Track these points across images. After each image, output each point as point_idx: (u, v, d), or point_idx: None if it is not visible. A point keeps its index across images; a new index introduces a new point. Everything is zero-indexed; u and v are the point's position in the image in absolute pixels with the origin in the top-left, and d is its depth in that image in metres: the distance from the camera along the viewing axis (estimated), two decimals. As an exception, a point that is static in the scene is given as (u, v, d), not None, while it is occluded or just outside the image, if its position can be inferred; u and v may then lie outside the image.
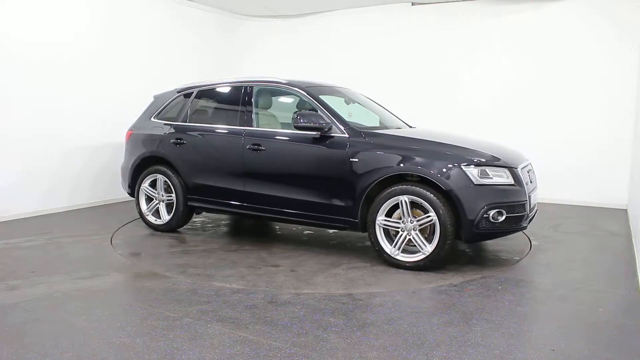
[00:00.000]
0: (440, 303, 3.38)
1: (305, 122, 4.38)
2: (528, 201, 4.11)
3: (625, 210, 6.58)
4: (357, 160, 4.26)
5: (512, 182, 4.04)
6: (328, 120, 4.46)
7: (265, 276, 3.97)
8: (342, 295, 3.52)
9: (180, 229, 5.52)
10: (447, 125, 6.82)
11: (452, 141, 4.34)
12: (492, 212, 3.91)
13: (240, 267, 4.21)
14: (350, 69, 8.20)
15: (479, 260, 4.45)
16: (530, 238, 5.13)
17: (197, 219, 6.10)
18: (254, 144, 4.79)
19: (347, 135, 4.36)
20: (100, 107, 6.71)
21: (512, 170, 4.08)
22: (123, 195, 7.09)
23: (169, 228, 5.37)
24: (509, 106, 7.35)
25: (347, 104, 5.36)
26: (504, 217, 3.95)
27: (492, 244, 4.86)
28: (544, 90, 7.12)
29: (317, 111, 4.57)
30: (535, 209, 4.52)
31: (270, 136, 4.80)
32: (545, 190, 7.07)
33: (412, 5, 7.85)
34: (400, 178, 4.17)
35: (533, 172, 4.58)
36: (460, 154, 4.05)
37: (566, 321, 3.14)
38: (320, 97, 4.72)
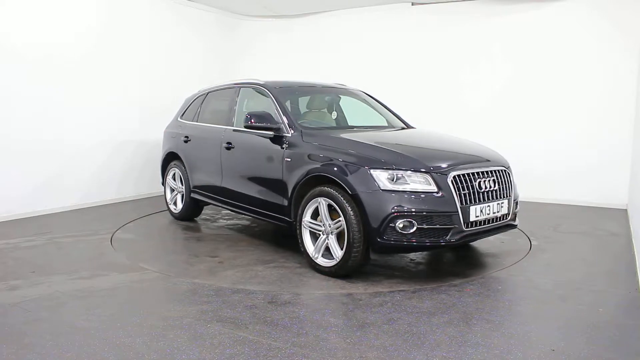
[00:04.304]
0: (440, 303, 3.38)
1: (254, 122, 4.45)
2: (460, 213, 3.62)
3: (625, 210, 6.58)
4: (289, 160, 4.27)
5: (434, 190, 3.61)
6: (278, 121, 4.48)
7: (191, 265, 4.26)
8: (342, 295, 3.52)
9: (197, 219, 6.06)
10: (447, 125, 6.83)
11: (402, 143, 4.15)
12: (399, 222, 3.53)
13: (185, 255, 4.58)
14: (349, 69, 8.21)
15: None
16: (530, 238, 5.13)
17: (224, 210, 6.45)
18: (227, 142, 5.05)
19: (289, 135, 4.36)
20: (100, 107, 6.70)
21: (435, 175, 3.64)
22: (123, 195, 7.11)
23: (181, 217, 5.94)
24: (509, 106, 7.35)
25: (332, 103, 5.37)
26: (414, 228, 3.54)
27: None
28: (544, 90, 7.12)
29: (278, 111, 4.61)
30: (507, 220, 4.05)
31: (240, 135, 4.96)
32: (545, 190, 7.10)
33: (412, 5, 7.85)
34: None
35: (499, 180, 3.97)
36: (374, 157, 3.76)
37: (566, 321, 3.14)
38: (287, 97, 4.81)
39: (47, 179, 6.16)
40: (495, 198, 3.91)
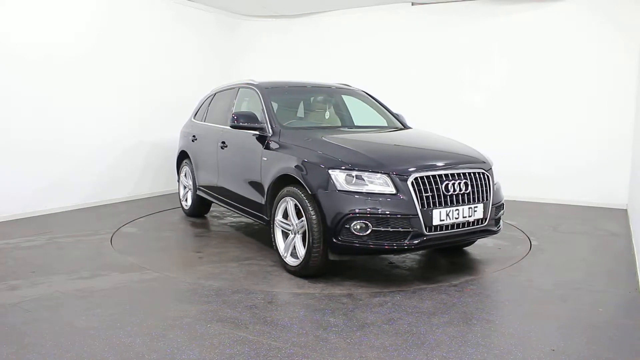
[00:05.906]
0: (440, 303, 3.38)
1: (239, 122, 4.50)
2: (421, 216, 3.50)
3: (625, 210, 6.58)
4: (266, 159, 4.31)
5: (393, 192, 3.53)
6: (262, 121, 4.53)
7: (168, 259, 4.44)
8: (342, 295, 3.52)
9: (207, 215, 6.24)
10: (446, 125, 6.83)
11: (375, 143, 4.15)
12: (354, 223, 3.47)
13: (174, 250, 4.82)
14: (349, 69, 8.21)
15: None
16: (530, 238, 5.13)
17: None
18: (222, 142, 5.17)
19: (270, 135, 4.39)
20: (100, 107, 6.69)
21: (394, 177, 3.55)
22: (123, 195, 7.10)
23: (190, 213, 6.17)
24: (509, 106, 7.35)
25: (325, 103, 5.40)
26: (369, 230, 3.46)
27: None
28: (544, 90, 7.11)
29: (262, 111, 4.65)
30: (483, 226, 3.84)
31: (232, 135, 5.02)
32: (545, 190, 7.10)
33: (412, 5, 7.85)
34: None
35: (472, 182, 3.77)
36: (334, 157, 3.71)
37: (566, 321, 3.14)
38: (275, 97, 4.88)
39: (47, 180, 6.15)
40: (467, 201, 3.73)
